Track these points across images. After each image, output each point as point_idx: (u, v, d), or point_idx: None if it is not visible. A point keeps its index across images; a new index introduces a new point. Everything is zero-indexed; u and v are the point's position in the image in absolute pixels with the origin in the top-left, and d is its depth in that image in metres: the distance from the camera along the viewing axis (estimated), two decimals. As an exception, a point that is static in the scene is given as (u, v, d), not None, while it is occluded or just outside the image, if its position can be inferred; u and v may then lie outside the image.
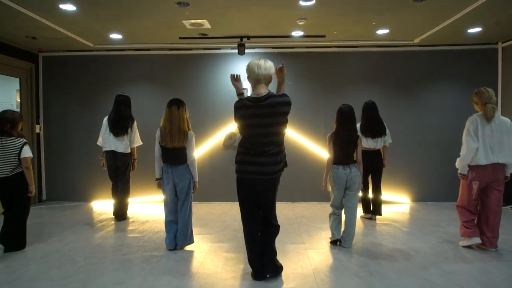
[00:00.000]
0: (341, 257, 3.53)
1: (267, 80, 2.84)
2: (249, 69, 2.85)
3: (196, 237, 4.18)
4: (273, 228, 2.98)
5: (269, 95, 2.80)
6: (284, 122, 2.83)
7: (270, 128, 2.77)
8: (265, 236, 2.96)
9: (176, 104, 3.71)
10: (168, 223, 3.77)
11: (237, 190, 2.95)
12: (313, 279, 3.00)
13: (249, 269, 3.06)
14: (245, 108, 2.81)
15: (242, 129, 2.87)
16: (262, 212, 2.96)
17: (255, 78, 2.82)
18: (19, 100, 6.99)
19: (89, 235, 4.31)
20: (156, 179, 3.78)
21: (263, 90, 2.82)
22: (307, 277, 3.06)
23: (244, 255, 3.28)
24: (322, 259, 3.50)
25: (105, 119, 4.95)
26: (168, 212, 3.78)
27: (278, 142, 2.83)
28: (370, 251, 3.69)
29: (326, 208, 5.10)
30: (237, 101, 2.90)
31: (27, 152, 3.65)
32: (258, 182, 2.82)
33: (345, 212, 3.83)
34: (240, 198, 2.95)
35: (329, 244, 3.90)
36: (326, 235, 4.23)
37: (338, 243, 3.85)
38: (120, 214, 4.98)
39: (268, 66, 2.83)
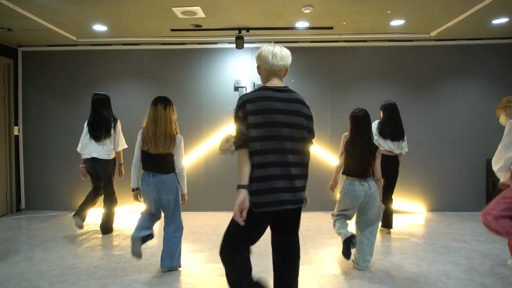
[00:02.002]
0: (358, 284, 2.95)
1: (283, 72, 2.15)
2: (261, 58, 2.12)
3: (187, 255, 3.63)
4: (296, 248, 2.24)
5: (291, 90, 2.15)
6: (310, 139, 2.15)
7: (302, 131, 2.05)
8: (289, 263, 2.20)
9: (163, 102, 3.12)
10: (148, 216, 3.17)
11: (250, 226, 1.98)
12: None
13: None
14: (263, 100, 2.00)
15: (258, 131, 1.96)
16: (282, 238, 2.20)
17: (269, 69, 2.12)
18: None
19: (63, 253, 3.72)
20: (133, 190, 3.17)
21: (277, 82, 2.13)
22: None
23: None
24: (331, 281, 2.93)
25: (86, 123, 4.38)
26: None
27: (306, 160, 2.11)
28: (391, 275, 3.12)
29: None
30: (246, 93, 2.09)
31: None
32: (289, 213, 2.07)
33: (361, 230, 3.25)
34: (249, 237, 2.10)
35: (340, 265, 3.32)
36: (335, 252, 3.66)
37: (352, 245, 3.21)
38: (106, 227, 4.41)
39: (286, 55, 2.13)
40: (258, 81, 5.45)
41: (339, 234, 3.22)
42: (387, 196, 4.33)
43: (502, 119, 3.26)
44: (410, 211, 5.52)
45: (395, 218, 4.55)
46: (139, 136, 3.12)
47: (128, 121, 5.16)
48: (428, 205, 5.58)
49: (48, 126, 5.80)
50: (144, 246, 3.80)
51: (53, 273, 3.18)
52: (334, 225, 3.34)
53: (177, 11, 4.23)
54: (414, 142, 5.38)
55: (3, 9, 4.11)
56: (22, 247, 3.90)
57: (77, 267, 3.32)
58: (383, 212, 4.29)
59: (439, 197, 5.54)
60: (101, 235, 4.36)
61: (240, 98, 2.04)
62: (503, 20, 4.64)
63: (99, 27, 4.89)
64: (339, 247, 3.73)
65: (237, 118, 2.00)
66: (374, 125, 4.26)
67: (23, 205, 5.82)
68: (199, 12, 4.28)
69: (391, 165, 4.22)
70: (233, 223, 2.01)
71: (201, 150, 5.61)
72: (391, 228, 4.42)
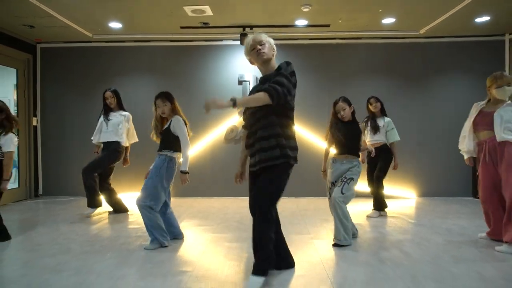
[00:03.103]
0: (349, 246, 3.36)
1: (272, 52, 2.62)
2: (248, 47, 2.64)
3: (197, 229, 4.04)
4: None
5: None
6: None
7: None
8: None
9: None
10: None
11: (285, 180, 2.54)
12: (322, 267, 2.84)
13: (253, 259, 2.89)
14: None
15: (291, 104, 2.65)
16: None
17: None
18: (15, 98, 6.86)
19: (85, 227, 4.14)
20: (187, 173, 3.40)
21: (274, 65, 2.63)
22: (315, 265, 2.89)
23: (247, 245, 3.13)
24: (329, 248, 3.34)
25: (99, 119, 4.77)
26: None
27: None
28: (379, 241, 3.53)
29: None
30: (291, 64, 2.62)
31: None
32: None
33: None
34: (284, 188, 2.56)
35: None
36: (332, 227, 4.07)
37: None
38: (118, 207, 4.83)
39: (266, 37, 2.62)
40: (260, 75, 5.85)
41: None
42: (376, 181, 4.61)
43: (495, 94, 3.39)
44: (402, 197, 5.94)
45: (389, 202, 4.94)
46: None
47: (139, 115, 5.56)
48: (419, 191, 6.00)
49: (64, 117, 6.22)
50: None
51: (81, 239, 3.60)
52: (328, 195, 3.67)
53: (188, 9, 4.66)
54: (407, 133, 5.78)
55: (29, 7, 4.53)
56: (47, 222, 4.32)
57: (101, 236, 3.74)
58: (374, 196, 4.65)
59: (429, 183, 5.96)
60: (115, 215, 4.78)
61: (290, 65, 2.59)
62: (485, 18, 5.07)
63: (115, 24, 5.31)
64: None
65: (290, 81, 2.50)
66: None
67: (40, 191, 6.24)
68: (208, 11, 4.72)
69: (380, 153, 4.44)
70: (278, 187, 2.46)
71: (207, 140, 6.04)
72: (382, 210, 4.73)
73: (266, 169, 2.46)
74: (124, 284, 2.49)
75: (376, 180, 4.57)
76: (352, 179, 3.39)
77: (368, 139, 4.58)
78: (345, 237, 3.32)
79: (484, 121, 3.41)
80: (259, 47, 2.57)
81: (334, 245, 3.35)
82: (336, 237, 3.36)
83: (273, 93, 2.38)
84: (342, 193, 3.33)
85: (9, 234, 3.57)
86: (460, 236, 3.68)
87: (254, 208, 2.50)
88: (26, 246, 3.42)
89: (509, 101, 3.40)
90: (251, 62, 2.70)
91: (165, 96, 3.48)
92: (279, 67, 2.57)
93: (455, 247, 3.32)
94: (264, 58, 2.58)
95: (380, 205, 4.65)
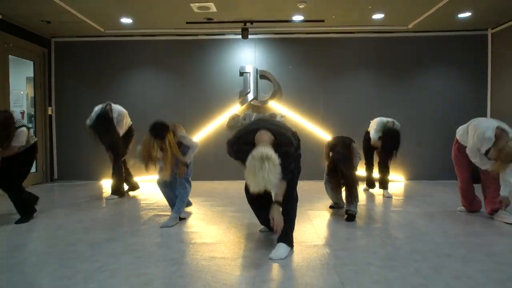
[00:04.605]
0: (340, 213, 3.83)
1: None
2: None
3: (202, 203, 4.50)
4: None
5: None
6: None
7: None
8: None
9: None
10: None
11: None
12: (314, 231, 3.31)
13: (255, 224, 3.35)
14: None
15: None
16: None
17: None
18: (28, 91, 7.29)
19: (101, 205, 4.61)
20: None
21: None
22: (309, 229, 3.36)
23: (249, 214, 3.59)
24: (321, 215, 3.81)
25: None
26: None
27: None
28: (369, 215, 4.00)
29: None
30: None
31: None
32: None
33: None
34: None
35: (327, 207, 4.22)
36: (326, 202, 4.54)
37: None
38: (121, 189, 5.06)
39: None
40: (260, 67, 6.33)
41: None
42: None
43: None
44: (392, 180, 6.39)
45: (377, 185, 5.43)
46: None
47: (144, 106, 6.01)
48: (407, 175, 6.47)
49: (77, 106, 6.66)
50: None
51: (99, 216, 4.07)
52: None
53: (194, 6, 5.10)
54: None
55: (50, 4, 4.96)
56: (65, 203, 4.79)
57: (116, 213, 4.21)
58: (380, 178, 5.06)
59: (417, 167, 6.43)
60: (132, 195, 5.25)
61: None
62: (467, 14, 5.50)
63: (126, 20, 5.75)
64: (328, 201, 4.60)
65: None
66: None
67: (55, 176, 6.71)
68: (212, 7, 5.15)
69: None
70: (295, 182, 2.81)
71: (211, 127, 6.50)
72: (373, 188, 5.34)
73: None
74: (142, 249, 2.90)
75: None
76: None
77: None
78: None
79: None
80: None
81: (352, 217, 3.60)
82: (354, 210, 3.62)
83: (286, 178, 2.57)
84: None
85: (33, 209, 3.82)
86: (437, 207, 4.16)
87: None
88: (49, 223, 3.89)
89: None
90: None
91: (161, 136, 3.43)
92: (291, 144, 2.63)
93: (430, 215, 3.79)
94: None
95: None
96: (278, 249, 2.62)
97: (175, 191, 3.67)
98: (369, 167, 5.27)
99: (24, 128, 3.55)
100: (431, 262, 2.47)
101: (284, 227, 2.62)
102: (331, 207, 4.21)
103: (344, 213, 3.69)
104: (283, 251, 2.60)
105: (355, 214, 3.60)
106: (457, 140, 3.86)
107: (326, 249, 2.76)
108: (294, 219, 2.81)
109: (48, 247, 2.86)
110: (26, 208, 3.71)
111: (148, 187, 5.73)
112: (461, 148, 3.75)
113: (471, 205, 3.90)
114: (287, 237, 2.70)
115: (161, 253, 2.70)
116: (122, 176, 5.01)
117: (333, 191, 4.03)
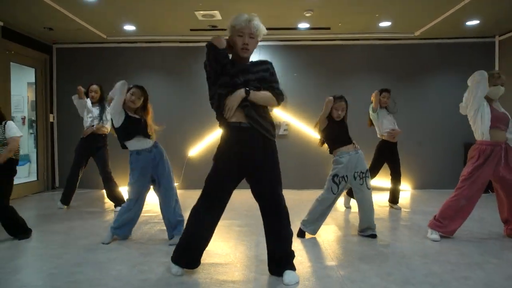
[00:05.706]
0: (347, 229, 3.75)
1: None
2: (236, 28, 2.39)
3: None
4: None
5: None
6: None
7: None
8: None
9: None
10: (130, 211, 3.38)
11: None
12: (323, 245, 3.23)
13: (263, 242, 3.26)
14: None
15: None
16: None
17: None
18: (28, 95, 7.22)
19: (105, 215, 4.53)
20: None
21: None
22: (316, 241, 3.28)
23: (256, 229, 3.51)
24: (327, 230, 3.73)
25: None
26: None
27: None
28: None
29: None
30: None
31: None
32: None
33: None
34: None
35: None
36: (332, 214, 4.45)
37: None
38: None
39: (259, 25, 2.42)
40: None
41: None
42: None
43: (489, 91, 3.44)
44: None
45: (386, 194, 5.33)
46: None
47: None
48: (413, 184, 6.39)
49: (79, 113, 6.57)
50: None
51: (104, 225, 3.98)
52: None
53: (199, 14, 5.02)
54: (402, 129, 6.18)
55: (52, 11, 4.87)
56: (68, 212, 4.70)
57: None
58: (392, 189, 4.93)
59: (422, 176, 6.35)
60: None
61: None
62: (475, 22, 5.43)
63: (129, 27, 5.67)
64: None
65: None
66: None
67: (57, 184, 6.61)
68: (217, 15, 5.07)
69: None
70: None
71: (215, 135, 6.40)
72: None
73: None
74: (149, 270, 2.85)
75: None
76: (368, 170, 3.50)
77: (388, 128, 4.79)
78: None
79: (503, 122, 3.41)
80: (246, 40, 2.34)
81: (374, 235, 3.46)
82: (373, 227, 3.49)
83: (280, 102, 2.52)
84: (368, 188, 3.43)
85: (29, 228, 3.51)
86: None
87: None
88: (57, 230, 3.80)
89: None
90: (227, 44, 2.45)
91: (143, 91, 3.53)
92: (266, 63, 2.51)
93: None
94: (244, 56, 2.40)
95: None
96: (287, 276, 2.47)
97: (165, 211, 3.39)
98: (372, 177, 5.08)
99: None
100: (449, 286, 2.39)
101: (286, 251, 2.52)
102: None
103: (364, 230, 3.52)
104: (294, 275, 2.51)
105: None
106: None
107: (340, 271, 2.68)
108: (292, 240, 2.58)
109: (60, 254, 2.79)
110: (17, 227, 3.40)
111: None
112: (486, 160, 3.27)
113: (452, 224, 3.34)
114: (291, 264, 2.53)
115: (170, 276, 2.62)
116: (115, 183, 4.92)
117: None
